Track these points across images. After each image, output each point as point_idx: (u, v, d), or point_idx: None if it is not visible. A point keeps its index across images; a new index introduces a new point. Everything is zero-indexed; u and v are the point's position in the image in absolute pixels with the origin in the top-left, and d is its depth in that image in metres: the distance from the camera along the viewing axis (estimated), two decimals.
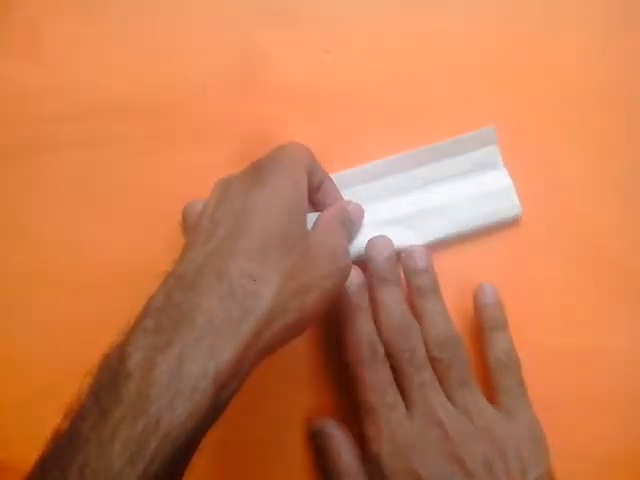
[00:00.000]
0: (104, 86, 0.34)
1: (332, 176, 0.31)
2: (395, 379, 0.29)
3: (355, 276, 0.30)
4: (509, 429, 0.28)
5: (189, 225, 0.31)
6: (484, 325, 0.31)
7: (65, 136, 0.34)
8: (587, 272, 0.31)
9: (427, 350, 0.29)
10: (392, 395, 0.29)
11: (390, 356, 0.29)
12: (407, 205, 0.32)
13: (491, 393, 0.30)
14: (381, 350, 0.29)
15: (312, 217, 0.29)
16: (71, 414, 0.21)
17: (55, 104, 0.34)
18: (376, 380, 0.29)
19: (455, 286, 0.32)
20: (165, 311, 0.22)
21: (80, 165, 0.33)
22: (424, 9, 0.34)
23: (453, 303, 0.31)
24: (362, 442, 0.29)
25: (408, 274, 0.31)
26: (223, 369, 0.21)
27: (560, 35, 0.34)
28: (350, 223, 0.30)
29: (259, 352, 0.23)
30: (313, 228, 0.27)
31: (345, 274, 0.27)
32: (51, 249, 0.33)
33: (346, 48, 0.34)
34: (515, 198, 0.32)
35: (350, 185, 0.32)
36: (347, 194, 0.32)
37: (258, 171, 0.26)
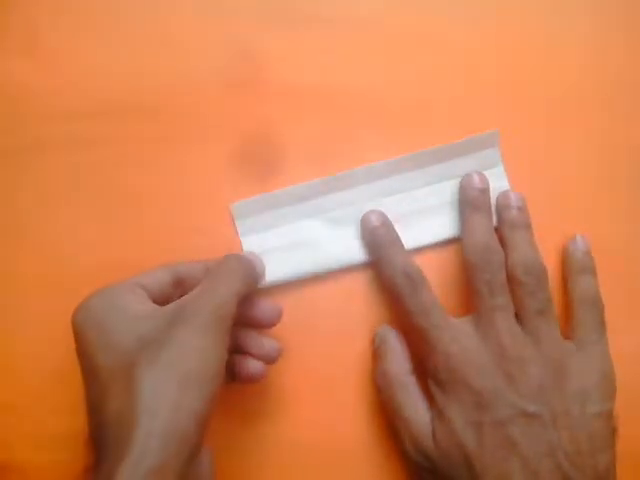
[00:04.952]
0: (103, 86, 0.34)
1: (333, 177, 0.31)
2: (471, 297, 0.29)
3: (373, 220, 0.31)
4: (578, 361, 0.28)
5: None
6: (572, 269, 0.31)
7: (64, 136, 0.34)
8: None
9: (512, 272, 0.29)
10: (437, 315, 0.29)
11: (470, 275, 0.29)
12: (408, 205, 0.32)
13: (568, 329, 0.30)
14: (418, 274, 0.29)
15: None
16: None
17: (54, 104, 0.34)
18: (416, 304, 0.29)
19: (453, 285, 0.32)
20: None
21: (79, 165, 0.33)
22: (425, 9, 0.34)
23: (455, 301, 0.31)
24: (421, 363, 0.29)
25: (501, 209, 0.31)
26: None
27: (562, 35, 0.34)
28: None
29: None
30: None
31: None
32: (50, 249, 0.33)
33: (346, 48, 0.34)
34: None
35: (351, 185, 0.32)
36: (348, 194, 0.32)
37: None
